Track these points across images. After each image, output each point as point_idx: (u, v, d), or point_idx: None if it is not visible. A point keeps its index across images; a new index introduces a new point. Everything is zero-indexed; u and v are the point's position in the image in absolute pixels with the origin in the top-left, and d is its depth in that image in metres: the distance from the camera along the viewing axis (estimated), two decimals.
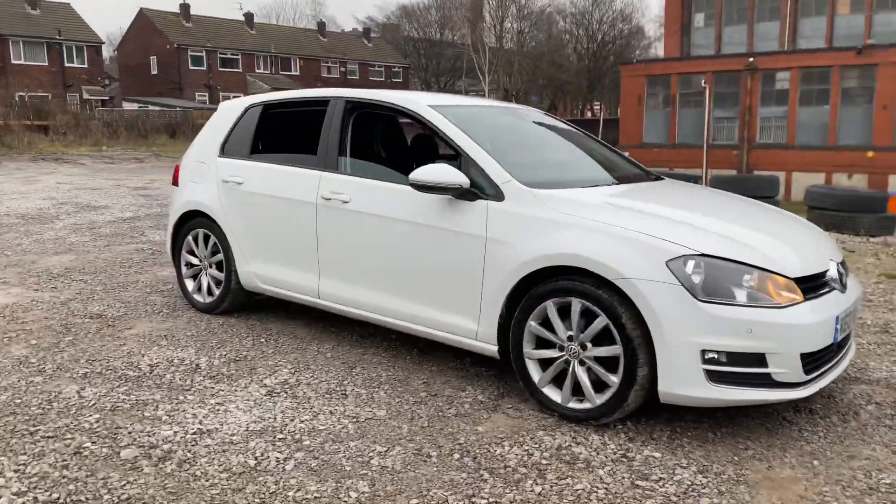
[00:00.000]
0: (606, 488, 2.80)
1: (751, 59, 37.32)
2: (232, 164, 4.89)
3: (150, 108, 37.79)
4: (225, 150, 5.02)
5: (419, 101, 4.17)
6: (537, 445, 3.13)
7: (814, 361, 3.22)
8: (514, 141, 4.41)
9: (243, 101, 5.11)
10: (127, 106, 41.80)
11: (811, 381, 3.22)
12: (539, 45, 58.73)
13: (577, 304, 3.30)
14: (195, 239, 5.12)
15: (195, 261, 5.15)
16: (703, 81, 38.01)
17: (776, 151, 33.99)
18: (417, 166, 4.78)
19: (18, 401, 3.50)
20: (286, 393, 3.66)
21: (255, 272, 4.73)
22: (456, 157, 4.18)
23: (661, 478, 2.89)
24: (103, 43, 47.41)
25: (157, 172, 17.56)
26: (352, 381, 3.84)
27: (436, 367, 4.07)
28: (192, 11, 51.88)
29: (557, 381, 3.45)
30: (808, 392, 3.19)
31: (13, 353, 4.18)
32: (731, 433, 3.31)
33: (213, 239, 4.98)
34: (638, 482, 2.85)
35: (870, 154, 31.93)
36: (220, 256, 4.94)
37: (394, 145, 5.39)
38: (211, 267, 5.04)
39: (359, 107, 4.45)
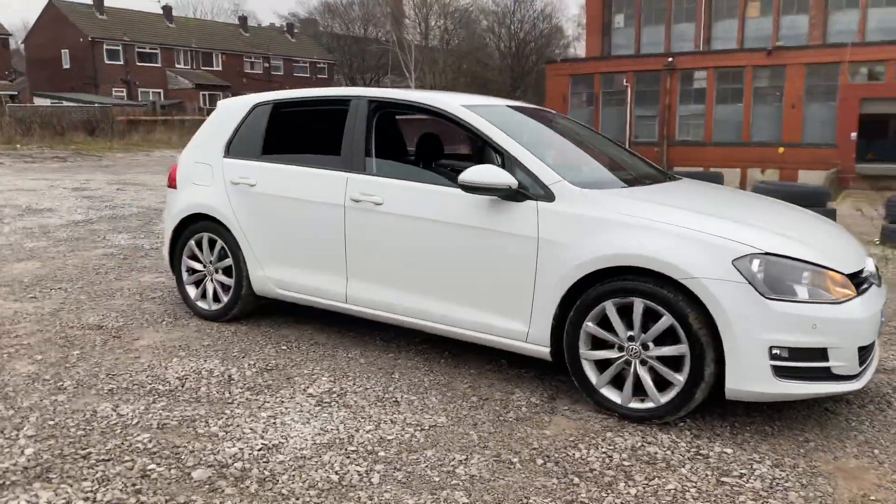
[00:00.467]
0: (696, 487, 2.82)
1: (670, 59, 38.61)
2: (242, 165, 4.70)
3: (65, 103, 35.97)
4: (230, 151, 4.81)
5: (452, 102, 4.10)
6: (612, 447, 3.14)
7: (864, 354, 3.34)
8: (545, 141, 4.39)
9: (248, 100, 4.91)
10: (38, 101, 39.68)
11: (862, 372, 3.34)
12: (463, 43, 59.10)
13: (639, 305, 3.31)
14: (198, 243, 4.89)
15: (198, 266, 4.92)
16: (624, 80, 39.12)
17: (695, 148, 35.28)
18: (424, 167, 4.73)
19: (52, 422, 3.25)
20: (336, 402, 3.54)
21: (271, 277, 4.56)
22: (472, 157, 4.12)
23: (742, 473, 2.94)
24: (10, 35, 44.81)
25: (88, 172, 16.75)
26: (397, 387, 3.75)
27: (474, 371, 4.02)
28: (107, 3, 49.68)
29: (615, 381, 3.47)
30: (862, 384, 3.30)
31: (20, 370, 3.89)
32: (787, 426, 3.40)
33: (220, 243, 4.77)
34: (723, 479, 2.89)
35: (780, 150, 33.58)
36: (229, 261, 4.74)
37: (397, 145, 5.30)
38: (217, 273, 4.83)
39: (383, 106, 4.34)
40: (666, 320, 3.25)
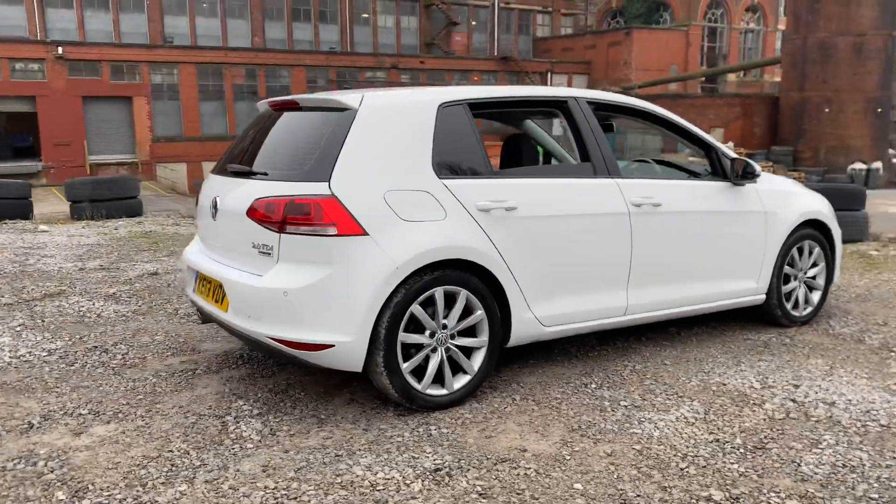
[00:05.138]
0: None
1: None
2: (483, 186, 3.54)
3: None
4: (440, 169, 3.47)
5: (650, 105, 4.40)
6: None
7: None
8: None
9: (425, 98, 3.56)
10: None
11: None
12: None
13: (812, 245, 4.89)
14: (424, 305, 3.36)
15: (422, 340, 3.38)
16: None
17: None
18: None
19: None
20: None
21: (542, 316, 3.73)
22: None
23: None
24: None
25: None
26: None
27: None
28: None
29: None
30: None
31: None
32: None
33: (464, 295, 3.45)
34: None
35: None
36: (476, 316, 3.50)
37: None
38: (454, 337, 3.47)
39: (600, 109, 4.16)
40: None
